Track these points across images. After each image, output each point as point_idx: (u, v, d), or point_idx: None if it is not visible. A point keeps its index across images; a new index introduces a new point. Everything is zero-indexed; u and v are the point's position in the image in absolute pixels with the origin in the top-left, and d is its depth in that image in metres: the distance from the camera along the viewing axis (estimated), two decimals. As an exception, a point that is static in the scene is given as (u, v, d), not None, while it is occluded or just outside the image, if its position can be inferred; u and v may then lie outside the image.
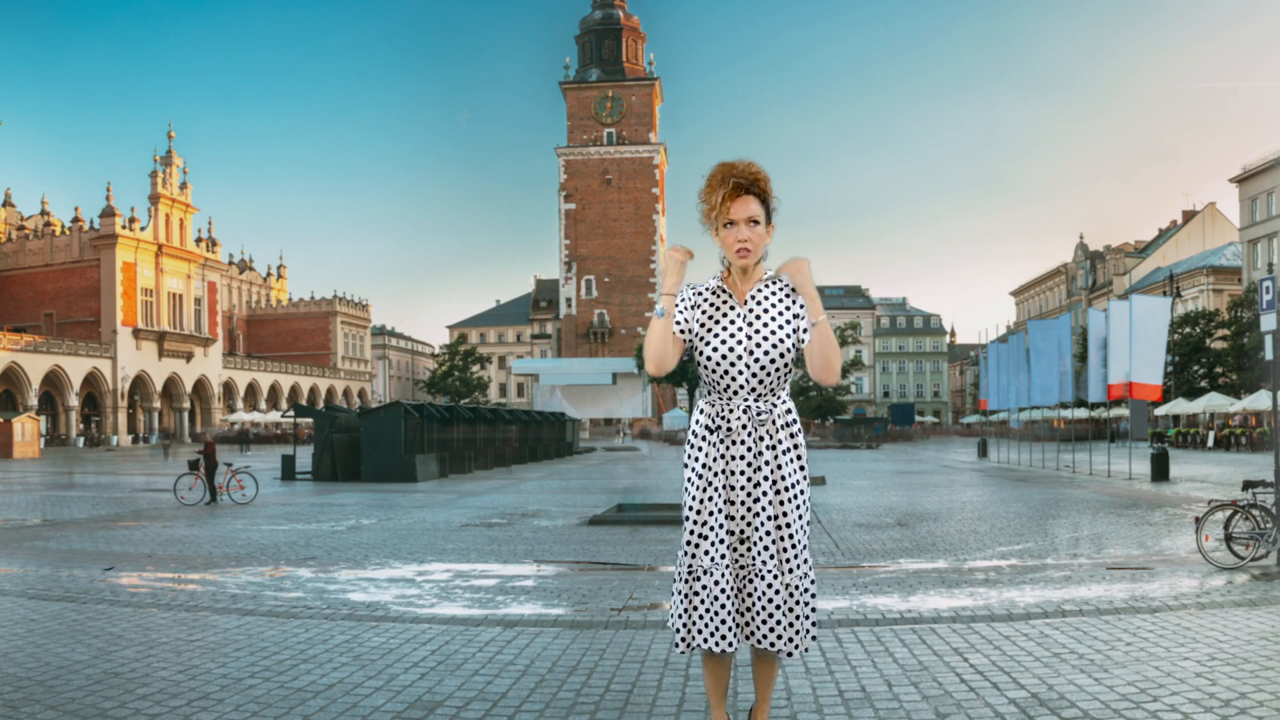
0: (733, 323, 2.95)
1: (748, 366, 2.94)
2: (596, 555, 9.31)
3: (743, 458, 2.96)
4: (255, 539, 10.90)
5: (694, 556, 2.99)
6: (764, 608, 2.92)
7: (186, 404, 71.61)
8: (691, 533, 3.00)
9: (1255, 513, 7.83)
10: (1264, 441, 36.24)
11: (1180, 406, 44.78)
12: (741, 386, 2.96)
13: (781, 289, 2.99)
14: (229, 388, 77.35)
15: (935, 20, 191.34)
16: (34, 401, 57.58)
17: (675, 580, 3.06)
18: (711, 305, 2.99)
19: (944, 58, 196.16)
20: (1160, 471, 19.74)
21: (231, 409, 76.04)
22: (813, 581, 3.02)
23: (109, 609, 6.26)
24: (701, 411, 3.06)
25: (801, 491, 2.99)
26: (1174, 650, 4.85)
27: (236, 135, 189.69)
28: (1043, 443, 36.12)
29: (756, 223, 2.90)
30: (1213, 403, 42.48)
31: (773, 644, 2.94)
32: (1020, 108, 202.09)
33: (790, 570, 2.95)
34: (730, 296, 2.98)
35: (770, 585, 2.92)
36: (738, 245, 2.91)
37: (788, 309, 2.96)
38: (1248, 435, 38.69)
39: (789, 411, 3.02)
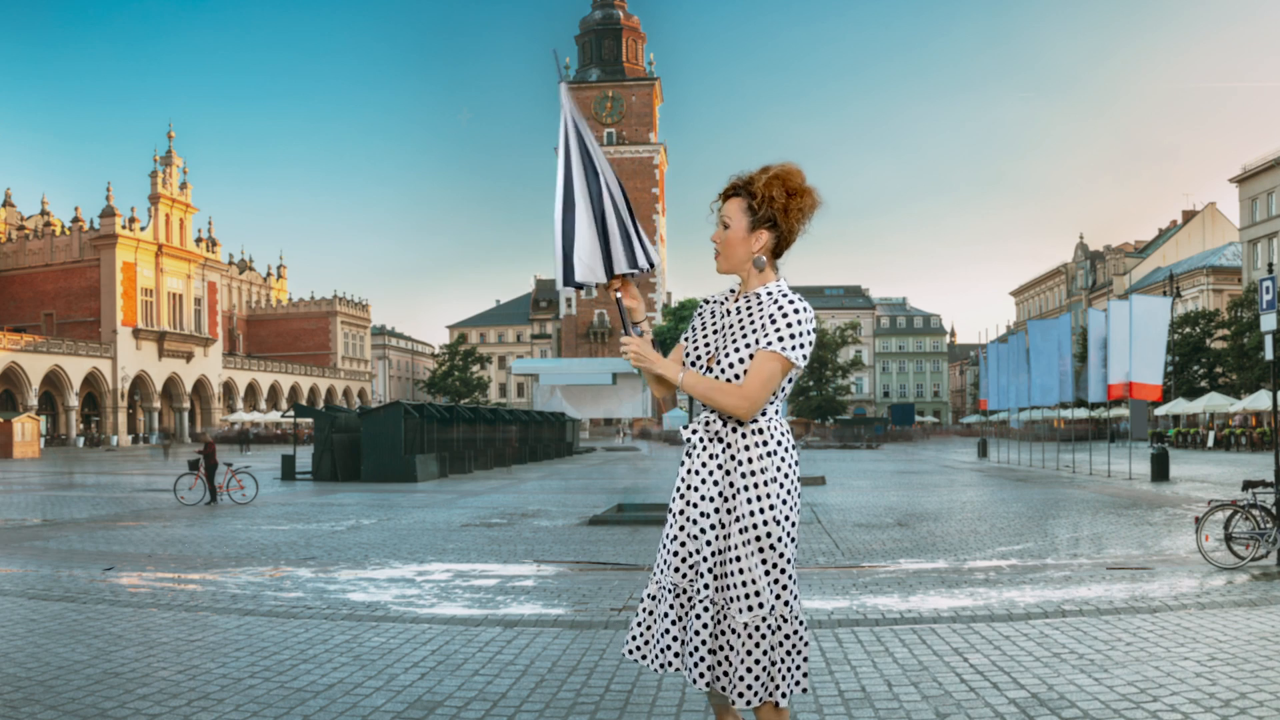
0: (715, 331, 2.71)
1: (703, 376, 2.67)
2: (596, 555, 9.31)
3: (696, 473, 2.68)
4: (255, 539, 10.89)
5: (653, 575, 2.78)
6: (691, 640, 2.61)
7: (186, 404, 71.59)
8: (659, 550, 2.78)
9: (1255, 513, 7.83)
10: (1264, 441, 36.23)
11: (1180, 406, 44.78)
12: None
13: (760, 305, 2.66)
14: (229, 388, 77.34)
15: (935, 20, 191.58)
16: (34, 401, 57.57)
17: None
18: (709, 313, 2.79)
19: (944, 58, 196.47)
20: (1160, 471, 19.74)
21: (231, 409, 76.02)
22: (783, 628, 2.62)
23: (109, 609, 6.26)
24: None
25: (761, 536, 2.59)
26: (1174, 650, 4.85)
27: (236, 135, 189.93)
28: (1043, 443, 36.12)
29: (726, 226, 2.68)
30: (1213, 403, 42.47)
31: (710, 683, 2.61)
32: (1020, 108, 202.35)
33: (740, 610, 2.59)
34: (724, 304, 2.76)
35: (699, 618, 2.59)
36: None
37: (760, 326, 2.61)
38: (1248, 435, 38.67)
39: (757, 434, 2.63)
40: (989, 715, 3.86)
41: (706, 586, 2.60)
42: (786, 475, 2.64)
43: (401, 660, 4.85)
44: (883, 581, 7.41)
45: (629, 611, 6.08)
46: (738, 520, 2.61)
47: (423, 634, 5.48)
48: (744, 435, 2.62)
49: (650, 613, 2.74)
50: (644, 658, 2.73)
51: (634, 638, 2.76)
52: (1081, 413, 43.31)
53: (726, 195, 2.70)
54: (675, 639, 2.68)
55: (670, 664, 2.68)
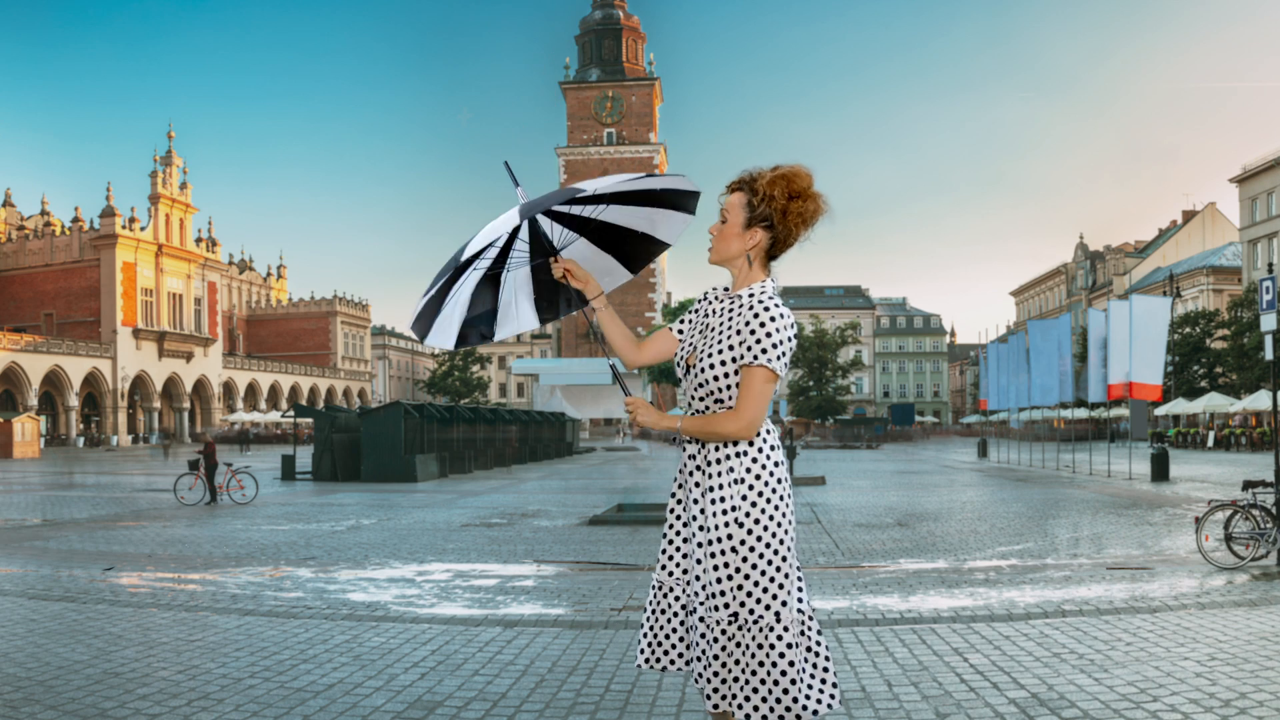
0: (701, 332, 2.68)
1: (685, 377, 2.67)
2: (596, 555, 9.31)
3: (681, 472, 2.69)
4: (255, 539, 10.89)
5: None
6: (696, 642, 2.60)
7: (186, 404, 71.58)
8: None
9: (1255, 513, 7.83)
10: (1264, 441, 36.23)
11: (1180, 406, 44.78)
12: (688, 401, 2.66)
13: (740, 309, 2.59)
14: (229, 388, 77.32)
15: (935, 20, 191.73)
16: (34, 401, 57.55)
17: None
18: (703, 311, 2.74)
19: (944, 58, 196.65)
20: (1160, 471, 19.74)
21: (231, 409, 76.01)
22: (739, 635, 2.52)
23: (109, 609, 6.26)
24: None
25: (722, 539, 2.51)
26: (1174, 650, 4.85)
27: (236, 135, 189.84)
28: (1043, 443, 36.13)
29: (724, 220, 2.66)
30: (1213, 403, 42.48)
31: (697, 678, 2.60)
32: (1020, 108, 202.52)
33: (701, 609, 2.58)
34: (713, 303, 2.71)
35: (701, 619, 2.57)
36: None
37: (737, 331, 2.55)
38: (1248, 435, 38.67)
39: (731, 444, 2.56)
40: (989, 715, 3.86)
41: (698, 578, 2.59)
42: (758, 476, 2.53)
43: (401, 660, 4.85)
44: (883, 581, 7.41)
45: (629, 611, 6.08)
46: (705, 537, 2.57)
47: (423, 634, 5.48)
48: (723, 445, 2.58)
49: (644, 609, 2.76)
50: (648, 662, 2.71)
51: (644, 647, 2.73)
52: (1081, 413, 43.30)
53: (732, 188, 2.68)
54: (668, 636, 2.69)
55: (647, 658, 2.70)
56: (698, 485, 2.61)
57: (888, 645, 5.09)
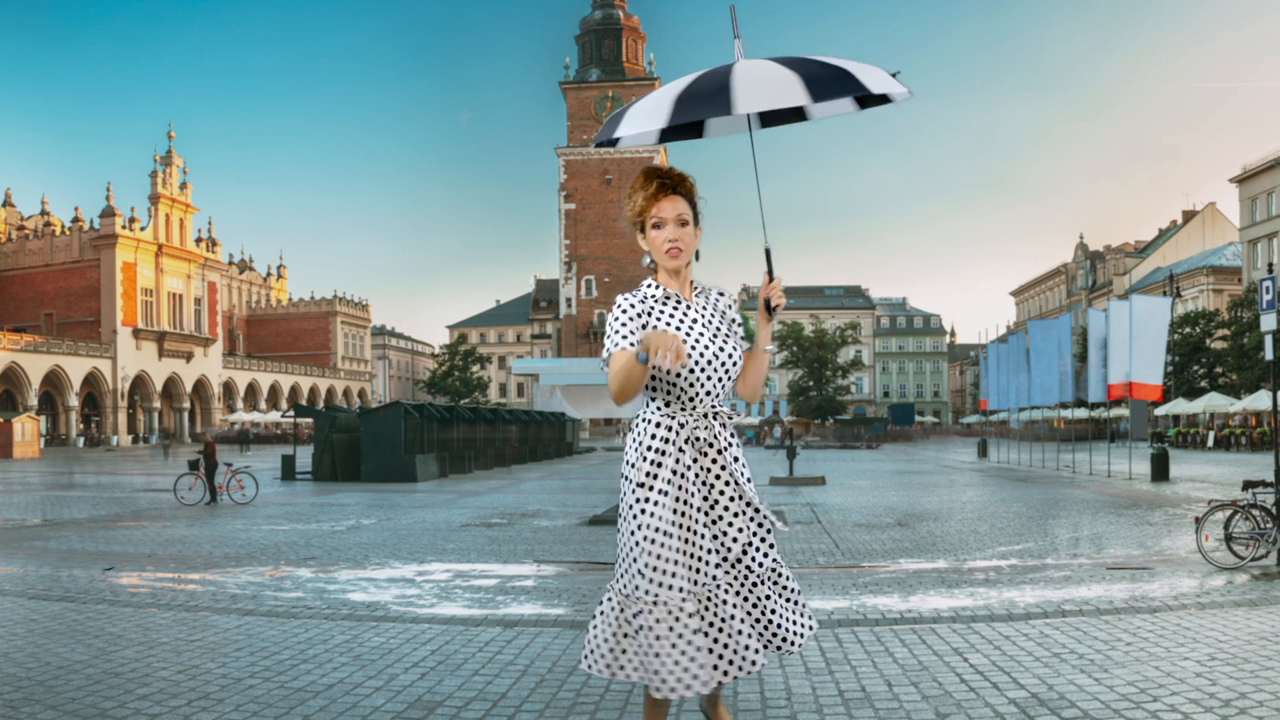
0: (697, 326, 2.83)
1: (715, 372, 2.82)
2: (596, 555, 9.31)
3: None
4: (255, 539, 10.89)
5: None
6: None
7: (186, 404, 71.59)
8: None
9: (1255, 513, 7.83)
10: (1264, 441, 36.23)
11: (1180, 406, 44.78)
12: (709, 393, 2.83)
13: (720, 301, 2.92)
14: (229, 388, 77.33)
15: (935, 20, 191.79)
16: (34, 401, 57.56)
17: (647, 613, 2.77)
18: (664, 311, 2.82)
19: (944, 58, 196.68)
20: (1160, 471, 19.74)
21: (231, 409, 76.02)
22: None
23: (109, 609, 6.26)
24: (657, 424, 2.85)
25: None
26: (1174, 650, 4.85)
27: (236, 135, 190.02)
28: (1043, 443, 36.13)
29: (685, 223, 2.76)
30: (1213, 403, 42.48)
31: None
32: (1020, 108, 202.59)
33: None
34: (682, 301, 2.83)
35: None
36: (668, 245, 2.76)
37: (733, 321, 2.92)
38: (1248, 435, 38.67)
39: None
40: (989, 715, 3.86)
41: (755, 560, 2.96)
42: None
43: (401, 660, 4.85)
44: (883, 581, 7.41)
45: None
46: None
47: (423, 634, 5.48)
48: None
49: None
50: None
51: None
52: (1081, 413, 43.31)
53: (663, 192, 2.77)
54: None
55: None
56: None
57: (888, 645, 5.09)
